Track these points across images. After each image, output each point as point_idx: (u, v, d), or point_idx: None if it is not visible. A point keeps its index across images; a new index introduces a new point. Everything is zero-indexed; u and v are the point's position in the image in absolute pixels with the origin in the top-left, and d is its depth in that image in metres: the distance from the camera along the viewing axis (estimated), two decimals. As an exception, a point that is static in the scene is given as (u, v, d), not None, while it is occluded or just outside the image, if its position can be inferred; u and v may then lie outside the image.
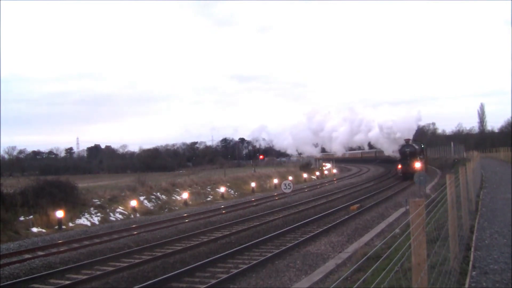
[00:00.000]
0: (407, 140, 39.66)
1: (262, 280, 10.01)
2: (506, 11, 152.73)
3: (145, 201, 25.43)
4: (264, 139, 64.93)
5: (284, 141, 60.00)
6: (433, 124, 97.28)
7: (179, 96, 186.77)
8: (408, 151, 38.18)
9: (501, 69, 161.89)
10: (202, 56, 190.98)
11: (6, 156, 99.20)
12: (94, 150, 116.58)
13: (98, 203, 22.51)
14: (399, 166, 38.46)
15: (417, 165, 36.01)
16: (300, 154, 64.68)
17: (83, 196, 22.42)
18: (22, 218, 18.57)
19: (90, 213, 21.37)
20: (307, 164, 56.44)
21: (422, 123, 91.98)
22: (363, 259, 5.12)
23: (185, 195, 27.96)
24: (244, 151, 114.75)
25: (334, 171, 60.86)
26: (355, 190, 32.41)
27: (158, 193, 27.31)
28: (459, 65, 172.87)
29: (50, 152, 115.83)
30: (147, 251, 13.88)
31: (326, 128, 56.01)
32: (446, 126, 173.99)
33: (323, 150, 64.71)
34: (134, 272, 11.41)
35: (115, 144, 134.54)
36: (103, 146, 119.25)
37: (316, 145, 60.05)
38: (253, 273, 10.62)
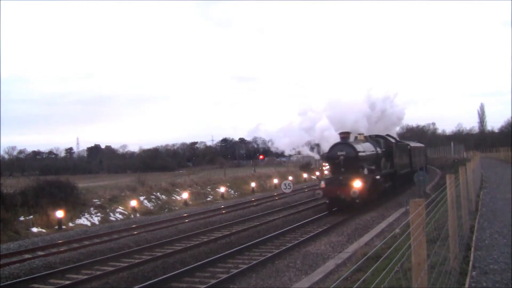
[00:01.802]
0: (343, 135, 21.56)
1: (262, 280, 10.01)
2: (506, 11, 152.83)
3: (145, 201, 25.43)
4: (261, 139, 64.30)
5: (280, 142, 59.13)
6: (433, 124, 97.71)
7: (179, 96, 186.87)
8: (342, 156, 20.44)
9: (501, 69, 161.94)
10: (202, 57, 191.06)
11: (6, 156, 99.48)
12: (94, 150, 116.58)
13: (98, 203, 22.51)
14: (322, 185, 20.47)
15: (357, 184, 19.15)
16: (298, 153, 64.06)
17: (83, 196, 22.41)
18: (22, 218, 18.57)
19: (90, 213, 21.37)
20: (307, 164, 56.40)
21: (422, 123, 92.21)
22: (363, 259, 5.12)
23: (185, 195, 27.97)
24: (244, 151, 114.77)
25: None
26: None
27: (158, 193, 27.31)
28: (459, 65, 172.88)
29: (50, 152, 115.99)
30: (147, 251, 13.88)
31: (317, 127, 53.97)
32: (446, 126, 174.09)
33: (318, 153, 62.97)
34: (134, 272, 11.41)
35: (115, 144, 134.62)
36: (103, 146, 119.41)
37: (312, 148, 59.05)
38: (253, 273, 10.62)
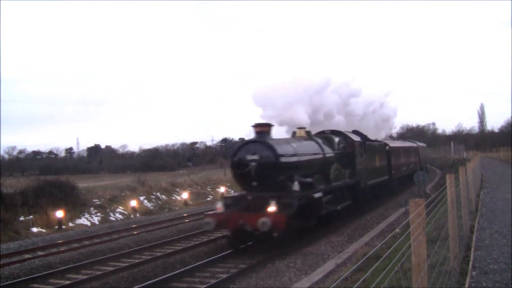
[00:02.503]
0: (259, 129, 13.47)
1: (262, 280, 10.01)
2: (506, 11, 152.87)
3: (145, 201, 25.44)
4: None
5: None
6: (433, 124, 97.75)
7: (179, 96, 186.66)
8: (253, 162, 12.57)
9: (501, 69, 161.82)
10: (202, 56, 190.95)
11: (6, 156, 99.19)
12: (94, 150, 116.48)
13: (98, 203, 22.52)
14: (219, 208, 12.92)
15: (271, 209, 11.77)
16: None
17: (83, 196, 22.43)
18: (22, 218, 18.57)
19: (90, 213, 21.38)
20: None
21: (422, 123, 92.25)
22: (363, 259, 5.13)
23: (185, 195, 27.98)
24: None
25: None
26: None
27: (158, 193, 27.32)
28: (459, 65, 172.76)
29: (50, 152, 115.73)
30: (147, 251, 13.88)
31: None
32: (446, 126, 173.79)
33: None
34: (134, 272, 11.41)
35: (115, 144, 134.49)
36: (103, 146, 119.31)
37: None
38: (253, 273, 10.62)
